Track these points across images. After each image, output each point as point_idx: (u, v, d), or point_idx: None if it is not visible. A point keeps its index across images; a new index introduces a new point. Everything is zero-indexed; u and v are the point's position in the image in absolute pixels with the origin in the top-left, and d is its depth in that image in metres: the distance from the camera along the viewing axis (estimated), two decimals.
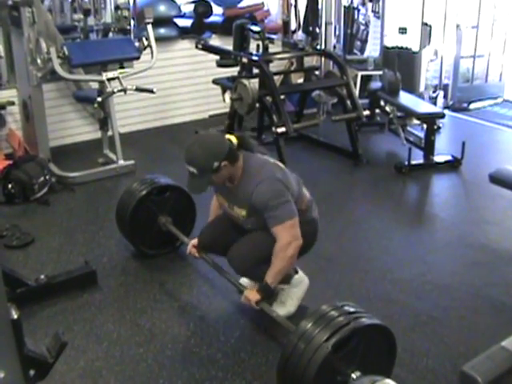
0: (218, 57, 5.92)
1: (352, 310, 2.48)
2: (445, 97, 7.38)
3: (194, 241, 3.35)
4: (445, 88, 7.48)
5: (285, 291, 3.24)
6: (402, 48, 6.63)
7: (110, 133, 5.41)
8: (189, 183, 2.94)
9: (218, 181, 2.92)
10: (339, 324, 2.37)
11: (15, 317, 1.91)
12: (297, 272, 3.28)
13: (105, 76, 4.98)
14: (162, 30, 6.46)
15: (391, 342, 2.52)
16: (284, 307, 3.21)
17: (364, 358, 2.40)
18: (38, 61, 4.83)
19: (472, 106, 7.47)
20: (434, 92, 7.19)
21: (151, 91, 5.17)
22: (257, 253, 2.96)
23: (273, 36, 6.74)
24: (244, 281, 3.32)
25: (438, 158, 5.50)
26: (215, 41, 6.77)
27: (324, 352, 2.29)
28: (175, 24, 6.72)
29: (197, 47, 6.12)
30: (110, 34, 5.68)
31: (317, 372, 2.27)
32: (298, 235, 2.88)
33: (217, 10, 7.10)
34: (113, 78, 5.00)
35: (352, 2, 7.26)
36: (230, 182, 2.97)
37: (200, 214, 3.83)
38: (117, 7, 5.61)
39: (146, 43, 5.21)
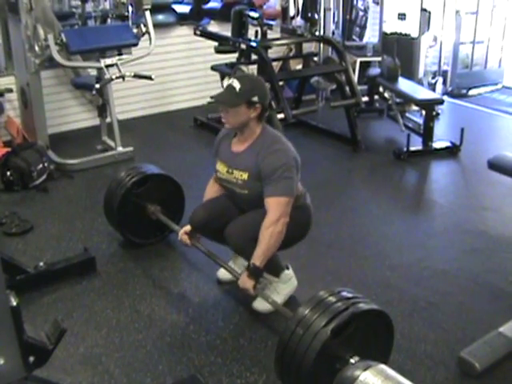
0: (216, 43, 5.90)
1: (350, 295, 2.48)
2: (444, 83, 7.36)
3: (186, 227, 3.31)
4: (444, 74, 7.46)
5: (272, 286, 3.21)
6: (401, 34, 6.61)
7: (108, 119, 5.40)
8: (219, 94, 2.96)
9: (236, 117, 2.89)
10: (338, 309, 2.37)
11: (14, 304, 1.92)
12: (288, 268, 3.27)
13: (103, 63, 4.95)
14: (160, 17, 6.43)
15: (389, 328, 2.53)
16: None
17: (362, 343, 2.41)
18: (36, 48, 4.81)
19: (471, 92, 7.46)
20: (433, 78, 7.18)
21: (149, 78, 5.15)
22: (256, 229, 2.88)
23: (271, 22, 6.73)
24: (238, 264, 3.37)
25: (437, 145, 5.50)
26: (213, 27, 6.74)
27: (323, 337, 2.29)
28: (173, 10, 6.69)
29: (195, 33, 6.11)
30: (108, 21, 5.65)
31: (316, 357, 2.27)
32: (288, 213, 2.87)
33: None
34: (111, 65, 4.98)
35: None
36: (240, 141, 3.00)
37: (189, 201, 3.81)
38: None
39: (144, 30, 5.18)
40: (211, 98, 2.96)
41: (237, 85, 2.85)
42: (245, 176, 2.96)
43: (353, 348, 2.37)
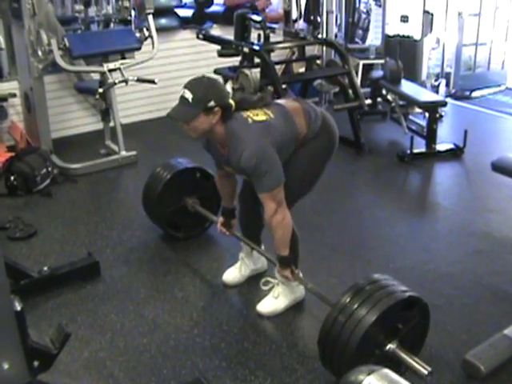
0: (219, 47, 5.91)
1: (386, 282, 2.67)
2: (447, 85, 7.36)
3: (220, 219, 3.43)
4: (447, 76, 7.46)
5: (280, 287, 3.21)
6: (403, 36, 6.59)
7: (111, 124, 5.41)
8: (173, 108, 2.80)
9: (198, 128, 2.78)
10: (406, 289, 2.57)
11: (19, 308, 1.93)
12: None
13: (106, 67, 4.97)
14: (163, 21, 6.45)
15: (426, 316, 2.66)
16: (274, 302, 3.20)
17: (408, 332, 2.54)
18: (39, 52, 4.83)
19: (474, 94, 7.44)
20: (436, 80, 7.17)
21: (153, 82, 5.16)
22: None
23: (274, 25, 6.73)
24: None
25: (441, 147, 5.49)
26: (216, 31, 6.75)
27: (398, 297, 2.49)
28: (176, 14, 6.70)
29: (198, 37, 6.11)
30: (111, 25, 5.67)
31: (360, 342, 2.40)
32: (282, 199, 2.85)
33: None
34: (114, 69, 4.99)
35: None
36: (221, 146, 2.91)
37: None
38: None
39: (146, 34, 5.20)
40: (167, 115, 2.82)
41: (189, 95, 2.71)
42: (245, 177, 3.00)
43: (400, 333, 2.53)
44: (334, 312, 2.53)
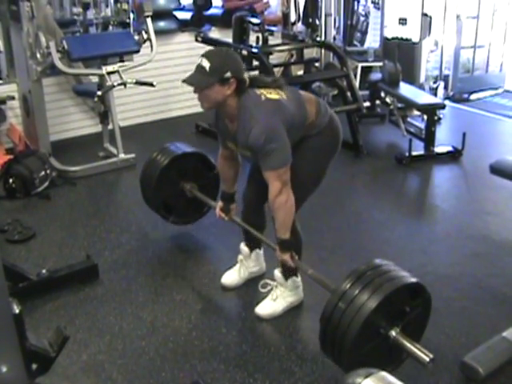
0: None
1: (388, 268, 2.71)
2: (445, 87, 7.36)
3: (220, 203, 3.38)
4: (445, 79, 7.47)
5: (278, 289, 3.21)
6: (402, 39, 6.62)
7: (110, 126, 5.41)
8: (190, 76, 2.77)
9: (212, 97, 2.78)
10: (409, 275, 2.59)
11: (17, 311, 1.92)
12: (297, 275, 3.25)
13: (104, 70, 4.97)
14: (162, 23, 6.45)
15: (427, 320, 2.69)
16: (272, 304, 3.20)
17: (412, 320, 2.54)
18: (38, 55, 4.83)
19: (473, 96, 7.46)
20: (434, 83, 7.18)
21: (151, 84, 5.16)
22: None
23: (272, 28, 6.75)
24: None
25: (439, 149, 5.50)
26: (215, 33, 6.75)
27: (400, 282, 2.51)
28: (175, 17, 6.71)
29: (196, 40, 6.11)
30: (110, 28, 5.67)
31: (361, 327, 2.38)
32: (288, 180, 2.81)
33: (216, 2, 7.09)
34: (112, 72, 5.00)
35: None
36: (230, 121, 2.89)
37: None
38: (116, 0, 5.60)
39: (145, 36, 5.20)
40: (182, 81, 2.80)
41: (206, 64, 2.70)
42: (248, 153, 2.91)
43: (396, 320, 2.50)
44: (334, 298, 2.51)
